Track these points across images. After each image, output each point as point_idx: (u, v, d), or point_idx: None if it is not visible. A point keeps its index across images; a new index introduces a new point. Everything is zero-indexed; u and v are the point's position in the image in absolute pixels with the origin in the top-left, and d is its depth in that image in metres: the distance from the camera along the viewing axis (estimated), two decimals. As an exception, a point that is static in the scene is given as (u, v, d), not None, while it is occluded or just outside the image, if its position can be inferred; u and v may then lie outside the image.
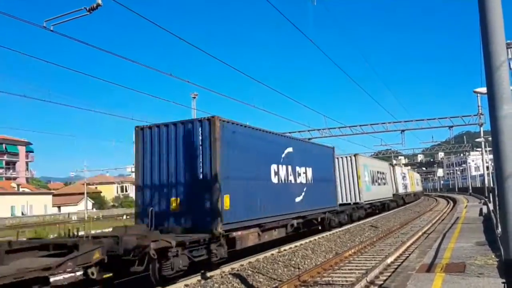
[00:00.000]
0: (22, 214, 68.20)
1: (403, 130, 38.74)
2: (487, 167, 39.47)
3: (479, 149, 46.56)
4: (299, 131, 44.85)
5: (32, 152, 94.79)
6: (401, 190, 47.00)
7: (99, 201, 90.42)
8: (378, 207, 35.57)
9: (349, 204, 27.10)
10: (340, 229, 22.95)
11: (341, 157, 28.14)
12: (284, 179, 16.80)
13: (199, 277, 11.77)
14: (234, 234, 13.39)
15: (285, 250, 16.22)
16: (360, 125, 41.31)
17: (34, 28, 10.53)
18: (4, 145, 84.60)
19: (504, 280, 4.49)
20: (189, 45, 13.42)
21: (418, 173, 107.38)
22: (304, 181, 18.74)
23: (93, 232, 16.24)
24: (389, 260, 14.14)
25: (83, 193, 73.32)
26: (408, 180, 55.36)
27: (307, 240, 18.33)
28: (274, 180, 16.08)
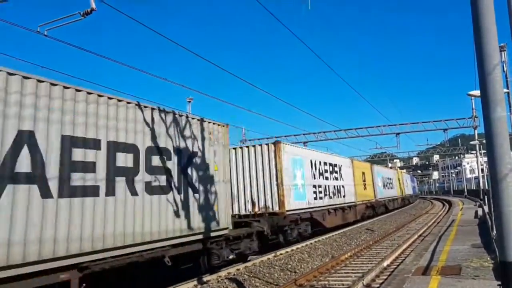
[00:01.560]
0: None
1: (398, 133, 38.80)
2: (482, 170, 39.60)
3: (474, 152, 46.72)
4: (294, 135, 45.10)
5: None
6: (301, 205, 19.54)
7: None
8: None
9: None
10: (336, 232, 22.95)
11: None
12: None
13: (195, 282, 11.74)
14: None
15: (281, 254, 16.20)
16: (355, 129, 41.46)
17: (28, 33, 10.50)
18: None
19: (499, 282, 4.51)
20: (184, 50, 13.39)
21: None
22: None
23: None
24: (385, 263, 14.15)
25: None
26: (351, 178, 28.92)
27: (303, 244, 18.31)
28: None
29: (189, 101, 27.49)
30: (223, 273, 12.91)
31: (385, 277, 12.18)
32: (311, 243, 18.76)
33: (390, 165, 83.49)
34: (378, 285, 11.22)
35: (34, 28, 10.00)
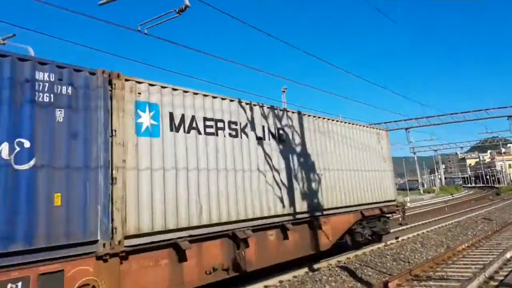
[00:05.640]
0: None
1: (510, 116, 35.76)
2: None
3: None
4: (395, 121, 43.67)
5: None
6: None
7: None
8: None
9: None
10: (449, 222, 21.77)
11: None
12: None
13: (306, 269, 11.90)
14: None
15: (391, 243, 15.79)
16: (461, 112, 39.23)
17: (128, 31, 11.15)
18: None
19: None
20: (271, 39, 13.44)
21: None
22: None
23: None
24: (508, 255, 13.14)
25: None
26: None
27: (415, 233, 17.69)
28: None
29: (284, 91, 27.91)
30: (333, 261, 12.94)
31: (509, 269, 11.33)
32: (423, 233, 18.03)
33: (503, 150, 76.91)
34: (502, 278, 10.47)
35: (134, 27, 10.48)
